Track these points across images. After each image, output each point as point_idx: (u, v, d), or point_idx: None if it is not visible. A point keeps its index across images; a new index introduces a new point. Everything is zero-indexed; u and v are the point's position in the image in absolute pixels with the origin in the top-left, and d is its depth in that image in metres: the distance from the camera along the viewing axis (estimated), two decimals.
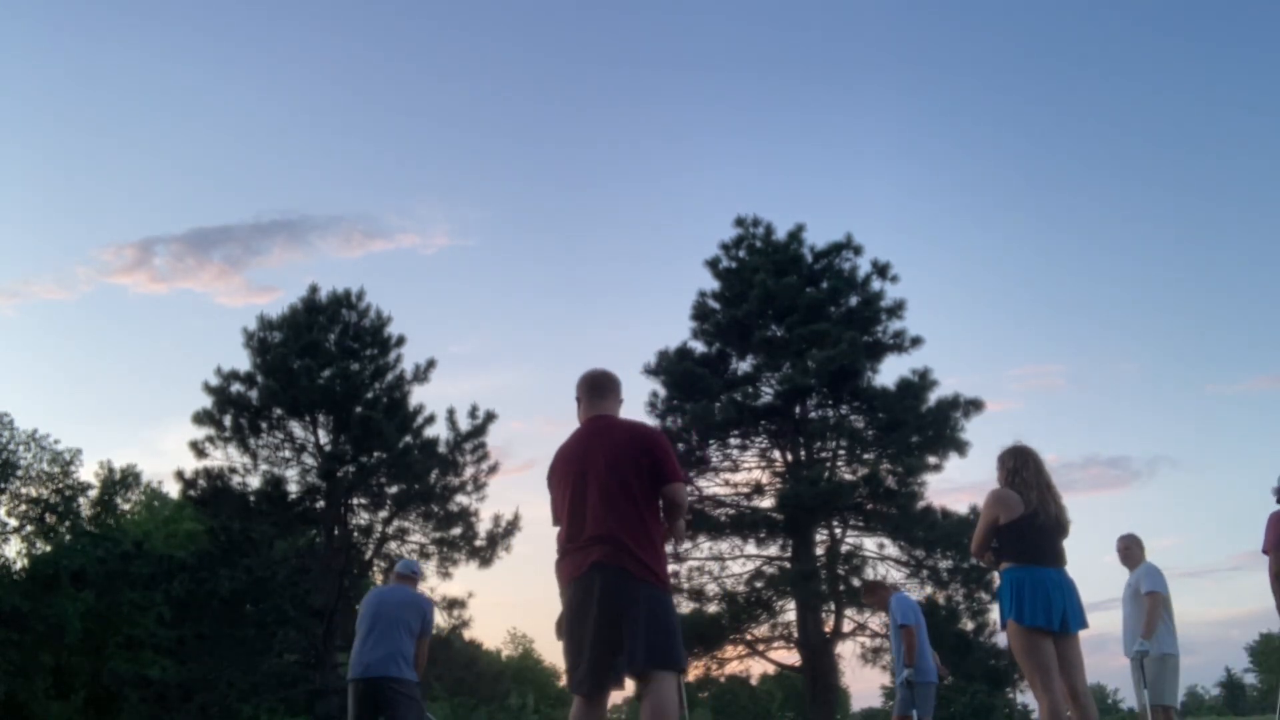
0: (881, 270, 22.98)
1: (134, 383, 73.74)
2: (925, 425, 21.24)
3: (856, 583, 21.01)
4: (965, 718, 51.96)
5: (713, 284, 23.86)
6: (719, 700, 65.07)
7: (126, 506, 36.38)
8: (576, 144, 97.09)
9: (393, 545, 22.21)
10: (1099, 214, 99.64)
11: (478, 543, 21.83)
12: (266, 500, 21.40)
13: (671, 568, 19.89)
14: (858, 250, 23.23)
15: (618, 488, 3.77)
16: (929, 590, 21.06)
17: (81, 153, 78.97)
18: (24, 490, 31.93)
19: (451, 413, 22.13)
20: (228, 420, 21.61)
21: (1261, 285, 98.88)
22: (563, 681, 63.10)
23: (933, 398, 21.49)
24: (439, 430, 22.27)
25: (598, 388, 4.17)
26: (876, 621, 21.46)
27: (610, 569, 3.66)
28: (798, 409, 22.31)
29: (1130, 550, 7.68)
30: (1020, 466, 5.21)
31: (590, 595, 3.66)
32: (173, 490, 27.85)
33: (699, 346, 23.40)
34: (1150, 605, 7.21)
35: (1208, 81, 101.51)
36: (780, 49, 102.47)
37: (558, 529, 3.96)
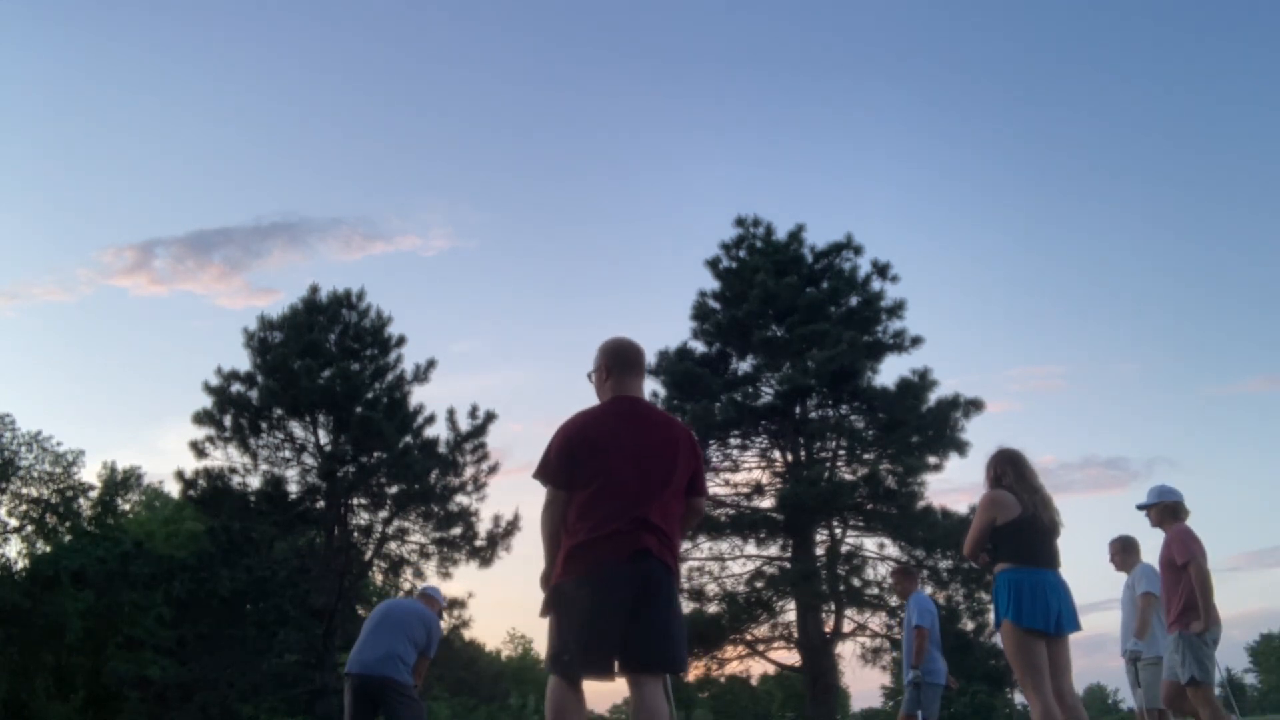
0: (881, 270, 23.01)
1: (134, 384, 73.84)
2: (925, 425, 21.24)
3: (857, 583, 21.01)
4: (965, 718, 51.93)
5: (713, 284, 23.92)
6: (719, 700, 65.04)
7: (127, 507, 36.42)
8: (576, 144, 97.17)
9: (393, 545, 22.23)
10: (1098, 215, 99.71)
11: (478, 543, 21.85)
12: (266, 500, 21.42)
13: None
14: (858, 250, 23.27)
15: (673, 483, 3.72)
16: (929, 591, 21.03)
17: (82, 154, 79.16)
18: (25, 490, 31.97)
19: (451, 413, 22.16)
20: (228, 420, 21.64)
21: (1259, 286, 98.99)
22: None
23: (933, 398, 21.51)
24: (439, 430, 22.32)
25: (633, 364, 3.88)
26: (876, 621, 21.46)
27: (656, 561, 3.56)
28: (798, 409, 22.31)
29: (1124, 552, 7.64)
30: (1013, 470, 5.21)
31: (628, 582, 3.48)
32: (173, 490, 27.89)
33: (699, 346, 23.42)
34: (1143, 606, 7.19)
35: (1207, 81, 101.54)
36: (781, 48, 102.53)
37: (588, 501, 3.58)
